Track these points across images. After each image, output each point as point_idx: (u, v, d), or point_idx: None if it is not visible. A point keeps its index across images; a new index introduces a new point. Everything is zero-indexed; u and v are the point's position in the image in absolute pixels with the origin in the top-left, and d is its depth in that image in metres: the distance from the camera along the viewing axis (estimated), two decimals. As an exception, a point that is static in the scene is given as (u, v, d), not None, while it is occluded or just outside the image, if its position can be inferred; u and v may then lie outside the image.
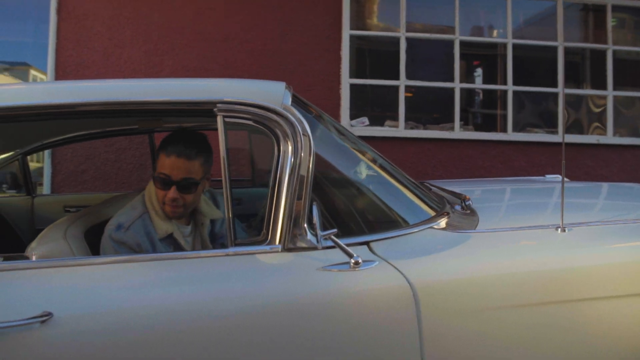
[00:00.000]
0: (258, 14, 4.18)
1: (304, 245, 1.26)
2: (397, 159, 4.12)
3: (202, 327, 1.13)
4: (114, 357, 1.09)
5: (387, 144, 4.19)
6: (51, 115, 1.35)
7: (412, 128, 4.31)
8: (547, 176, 2.81)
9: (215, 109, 1.26)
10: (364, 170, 1.57)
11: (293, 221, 1.25)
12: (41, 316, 1.07)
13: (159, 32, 4.16)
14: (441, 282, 1.22)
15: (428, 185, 2.08)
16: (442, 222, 1.45)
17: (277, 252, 1.23)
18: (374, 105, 4.60)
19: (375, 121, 4.32)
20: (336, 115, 4.16)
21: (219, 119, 1.26)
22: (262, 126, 1.28)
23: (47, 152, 4.17)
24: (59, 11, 4.19)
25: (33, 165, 4.51)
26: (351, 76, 4.21)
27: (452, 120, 4.33)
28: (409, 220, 1.46)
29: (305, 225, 1.27)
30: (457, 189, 2.14)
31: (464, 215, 1.56)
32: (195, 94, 1.33)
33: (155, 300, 1.15)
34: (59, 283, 1.17)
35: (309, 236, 1.26)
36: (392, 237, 1.35)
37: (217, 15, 4.16)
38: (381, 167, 1.64)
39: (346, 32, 4.18)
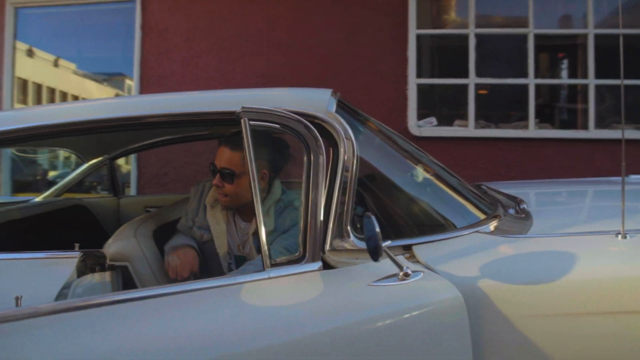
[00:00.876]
0: (324, 19, 4.26)
1: (352, 260, 1.24)
2: (467, 159, 4.01)
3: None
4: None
5: (456, 144, 4.09)
6: (123, 126, 1.50)
7: (482, 127, 4.17)
8: (632, 176, 2.60)
9: (238, 112, 1.24)
10: (409, 173, 1.57)
11: (337, 233, 1.26)
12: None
13: (231, 41, 4.39)
14: (482, 289, 1.19)
15: (485, 187, 2.02)
16: (491, 226, 1.42)
17: (320, 270, 1.19)
18: (442, 104, 4.51)
19: (444, 121, 4.23)
20: (403, 116, 4.13)
21: (243, 123, 1.22)
22: (293, 131, 1.25)
23: (133, 157, 4.56)
24: (142, 27, 4.56)
25: (126, 168, 4.95)
26: (418, 76, 4.15)
27: (526, 118, 4.13)
28: (456, 223, 1.44)
29: (352, 235, 1.28)
30: (523, 191, 2.07)
31: (517, 219, 1.51)
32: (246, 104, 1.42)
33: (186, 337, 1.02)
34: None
35: (357, 243, 1.26)
36: (435, 241, 1.35)
37: (285, 22, 4.30)
38: (429, 169, 1.63)
39: (412, 32, 4.14)
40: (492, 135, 4.14)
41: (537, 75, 4.16)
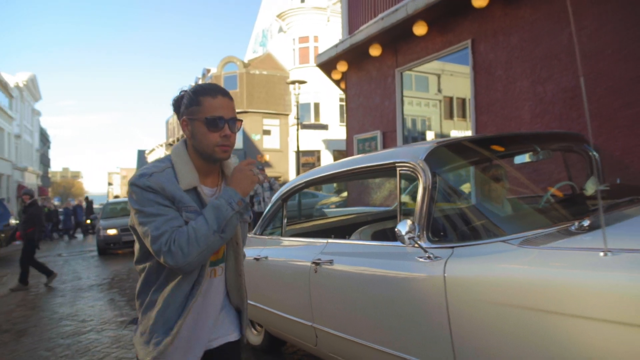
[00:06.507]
0: (629, 17, 3.98)
1: (417, 243, 1.99)
2: None
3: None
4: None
5: None
6: (336, 178, 2.81)
7: None
8: None
9: (397, 166, 2.24)
10: (493, 194, 2.08)
11: (422, 232, 2.09)
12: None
13: (541, 63, 4.73)
14: (462, 279, 1.78)
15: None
16: (521, 238, 1.84)
17: (403, 246, 2.04)
18: None
19: None
20: None
21: (398, 172, 2.24)
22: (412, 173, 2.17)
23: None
24: (474, 67, 5.55)
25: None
26: None
27: None
28: (500, 232, 1.92)
29: (426, 236, 2.08)
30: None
31: (559, 234, 1.80)
32: (381, 160, 2.44)
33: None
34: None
35: (417, 239, 2.03)
36: (472, 245, 1.92)
37: (588, 31, 4.29)
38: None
39: None
40: None
41: None
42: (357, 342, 2.31)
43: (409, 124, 7.33)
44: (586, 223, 1.83)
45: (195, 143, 1.43)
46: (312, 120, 22.16)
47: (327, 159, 23.28)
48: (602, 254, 1.49)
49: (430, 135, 7.32)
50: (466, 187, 2.36)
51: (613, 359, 1.36)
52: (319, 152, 23.15)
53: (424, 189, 2.13)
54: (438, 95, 6.95)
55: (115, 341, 4.18)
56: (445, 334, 1.83)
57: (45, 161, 46.45)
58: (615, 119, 4.04)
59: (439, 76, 6.80)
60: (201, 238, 1.29)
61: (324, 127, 19.85)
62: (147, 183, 1.34)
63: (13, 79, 30.83)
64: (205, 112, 1.40)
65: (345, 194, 10.46)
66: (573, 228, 1.86)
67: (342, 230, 3.93)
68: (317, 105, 22.76)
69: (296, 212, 10.96)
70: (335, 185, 14.22)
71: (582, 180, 2.88)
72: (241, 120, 1.47)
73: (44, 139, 46.11)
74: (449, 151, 2.32)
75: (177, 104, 1.48)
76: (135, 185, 1.35)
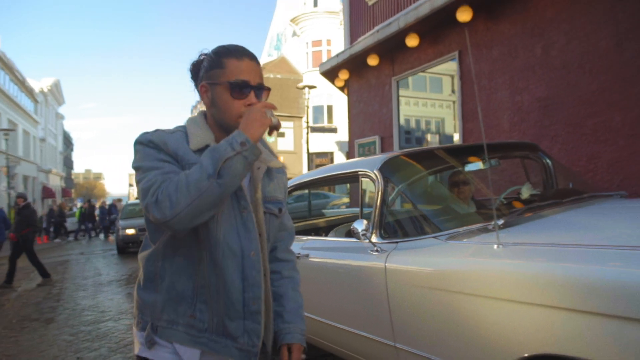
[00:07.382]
0: (593, 34, 4.33)
1: (370, 239, 2.45)
2: None
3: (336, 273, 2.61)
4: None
5: None
6: (321, 183, 3.25)
7: None
8: None
9: (359, 174, 2.66)
10: (434, 197, 2.50)
11: (375, 230, 2.52)
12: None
13: (519, 74, 5.10)
14: (398, 268, 2.21)
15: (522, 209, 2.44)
16: (448, 235, 2.26)
17: (359, 240, 2.41)
18: None
19: None
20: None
21: (360, 178, 2.64)
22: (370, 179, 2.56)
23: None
24: (461, 76, 5.93)
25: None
26: None
27: None
28: (434, 229, 2.34)
29: (378, 233, 2.52)
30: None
31: (478, 231, 2.21)
32: (347, 168, 2.87)
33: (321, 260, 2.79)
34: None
35: (370, 235, 2.44)
36: (410, 240, 2.36)
37: (558, 46, 4.65)
38: (459, 190, 2.54)
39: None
40: None
41: None
42: (327, 323, 2.76)
43: (422, 125, 7.72)
44: (500, 222, 2.24)
45: (214, 112, 1.25)
46: (326, 123, 22.59)
47: (340, 160, 23.69)
48: (495, 246, 1.91)
49: (434, 139, 7.66)
50: (422, 192, 2.77)
51: (503, 329, 1.73)
52: (332, 153, 23.59)
53: (377, 193, 2.56)
54: (452, 96, 7.24)
55: (130, 328, 4.69)
56: (386, 312, 2.27)
57: (68, 163, 47.87)
58: (582, 127, 4.39)
59: (452, 77, 7.08)
60: (192, 183, 1.06)
61: (334, 130, 20.33)
62: (149, 137, 1.20)
63: (38, 84, 32.04)
64: (228, 75, 1.21)
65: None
66: (490, 226, 2.27)
67: (330, 229, 4.37)
68: (330, 108, 23.18)
69: (306, 212, 11.39)
70: (347, 186, 14.63)
71: (540, 184, 3.28)
72: (269, 89, 1.27)
73: (67, 142, 47.51)
74: (405, 161, 2.75)
75: (196, 69, 1.29)
76: (138, 142, 1.22)
